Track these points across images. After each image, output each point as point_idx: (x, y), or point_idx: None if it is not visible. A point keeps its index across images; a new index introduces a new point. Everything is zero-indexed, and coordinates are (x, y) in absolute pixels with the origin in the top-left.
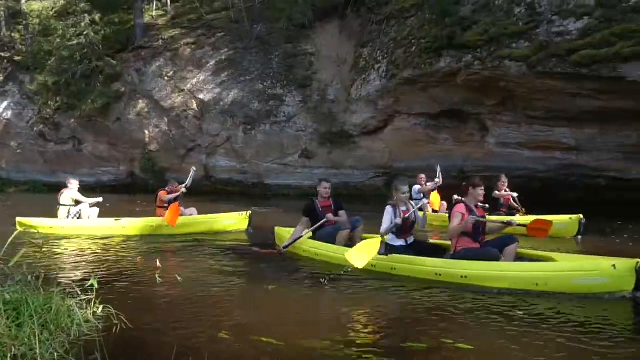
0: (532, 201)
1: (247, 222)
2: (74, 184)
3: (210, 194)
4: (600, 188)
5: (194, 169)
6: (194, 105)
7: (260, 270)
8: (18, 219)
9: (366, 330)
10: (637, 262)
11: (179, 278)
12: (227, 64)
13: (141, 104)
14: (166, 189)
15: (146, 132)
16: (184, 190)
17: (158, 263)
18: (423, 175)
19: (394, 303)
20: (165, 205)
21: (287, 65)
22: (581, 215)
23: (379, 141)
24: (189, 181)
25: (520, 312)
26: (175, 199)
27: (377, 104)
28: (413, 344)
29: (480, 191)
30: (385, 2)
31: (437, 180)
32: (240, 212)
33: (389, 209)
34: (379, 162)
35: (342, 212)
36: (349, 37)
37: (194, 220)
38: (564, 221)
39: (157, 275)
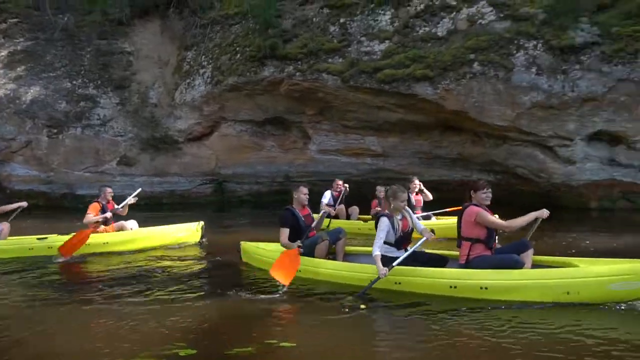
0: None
1: (199, 234)
2: None
3: None
4: None
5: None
6: None
7: (76, 290)
8: None
9: (193, 342)
10: None
11: None
12: (24, 56)
13: None
14: (99, 200)
15: None
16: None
17: None
18: (340, 182)
19: (230, 309)
20: (100, 219)
21: (102, 63)
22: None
23: (205, 147)
24: (129, 200)
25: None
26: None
27: (203, 109)
28: (239, 349)
29: (484, 195)
30: (209, 7)
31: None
32: (191, 223)
33: (384, 221)
34: (206, 168)
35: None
36: (171, 38)
37: (137, 234)
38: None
39: None
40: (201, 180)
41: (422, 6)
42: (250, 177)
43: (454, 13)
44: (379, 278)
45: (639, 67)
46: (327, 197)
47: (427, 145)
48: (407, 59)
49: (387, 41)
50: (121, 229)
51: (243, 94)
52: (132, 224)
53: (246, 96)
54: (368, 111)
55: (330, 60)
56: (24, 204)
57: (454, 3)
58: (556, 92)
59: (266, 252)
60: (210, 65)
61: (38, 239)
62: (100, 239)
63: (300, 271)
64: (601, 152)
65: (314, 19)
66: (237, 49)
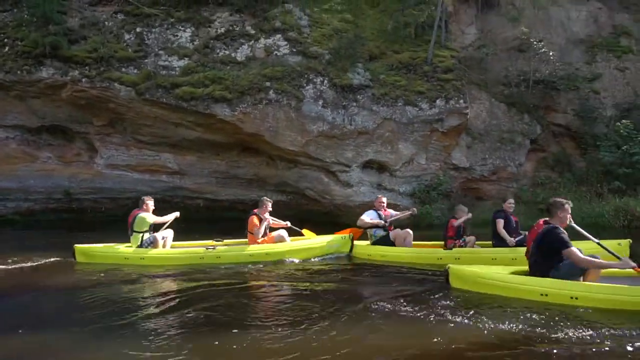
0: None
1: (349, 245)
2: (150, 205)
3: None
4: (199, 208)
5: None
6: None
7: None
8: (77, 247)
9: None
10: None
11: None
12: None
13: None
14: (256, 212)
15: None
16: (288, 223)
17: None
18: (384, 198)
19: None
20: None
21: None
22: (630, 240)
23: None
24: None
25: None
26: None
27: None
28: None
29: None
30: None
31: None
32: (343, 235)
33: None
34: None
35: None
36: None
37: (294, 246)
38: (613, 247)
39: None
40: None
41: (222, 29)
42: (18, 193)
43: (253, 41)
44: None
45: (399, 109)
46: (371, 215)
47: (224, 165)
48: (206, 79)
49: (186, 58)
50: (280, 240)
51: (11, 95)
52: (280, 234)
53: (16, 97)
54: (164, 127)
55: (124, 69)
56: (177, 213)
57: (253, 32)
58: (338, 124)
59: (503, 277)
60: None
61: (207, 249)
62: (262, 249)
63: (576, 298)
64: (372, 178)
65: (107, 23)
66: (6, 40)
